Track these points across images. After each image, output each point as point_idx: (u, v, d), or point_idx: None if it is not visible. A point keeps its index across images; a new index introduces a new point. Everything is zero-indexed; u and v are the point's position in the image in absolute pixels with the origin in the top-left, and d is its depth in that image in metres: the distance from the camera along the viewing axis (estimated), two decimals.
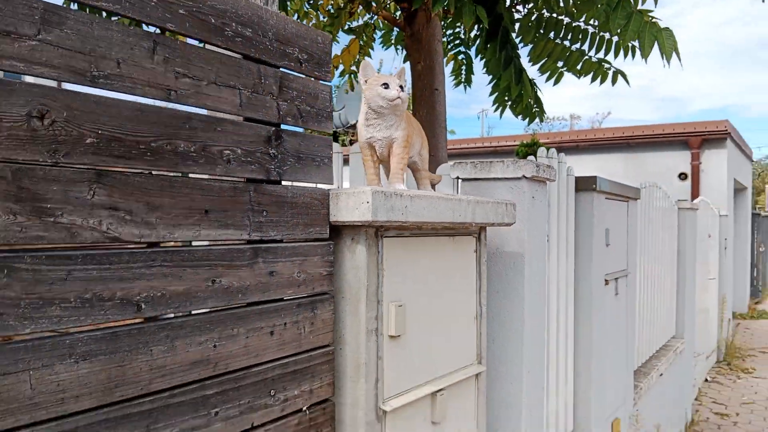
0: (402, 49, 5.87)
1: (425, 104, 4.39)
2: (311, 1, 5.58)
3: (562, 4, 4.26)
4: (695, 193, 10.76)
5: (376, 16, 5.53)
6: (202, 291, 1.30)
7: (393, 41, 5.92)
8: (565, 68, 4.63)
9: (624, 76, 4.44)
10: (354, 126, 12.46)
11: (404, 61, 5.00)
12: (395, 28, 5.69)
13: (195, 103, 1.33)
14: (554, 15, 4.41)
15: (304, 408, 1.57)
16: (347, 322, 1.69)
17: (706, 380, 7.85)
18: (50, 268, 1.03)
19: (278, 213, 1.51)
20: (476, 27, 4.73)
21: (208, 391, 1.32)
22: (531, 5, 4.47)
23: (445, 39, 5.55)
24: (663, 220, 5.44)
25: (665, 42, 3.30)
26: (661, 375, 4.96)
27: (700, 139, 11.01)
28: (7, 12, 0.99)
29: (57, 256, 1.04)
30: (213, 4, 1.36)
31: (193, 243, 1.35)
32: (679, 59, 3.32)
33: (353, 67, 5.61)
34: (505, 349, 2.49)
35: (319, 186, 1.66)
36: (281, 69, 1.55)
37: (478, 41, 4.94)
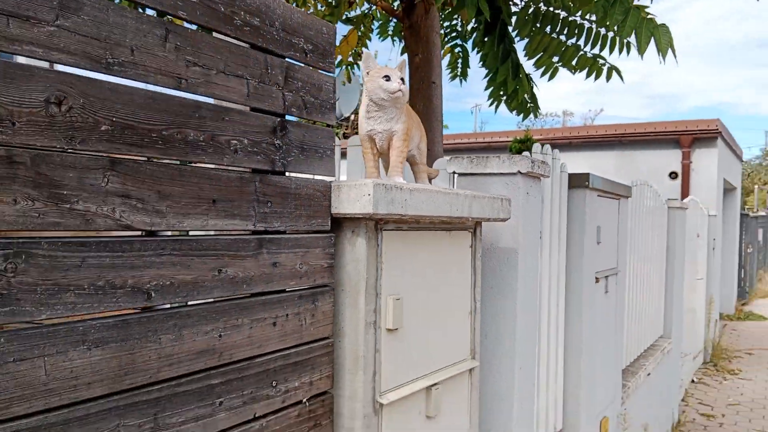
0: (398, 41, 5.85)
1: (422, 97, 4.36)
2: None
3: None
4: (685, 192, 10.82)
5: (374, 7, 5.49)
6: (209, 280, 1.31)
7: (390, 32, 5.88)
8: (560, 63, 4.62)
9: (618, 72, 4.43)
10: (347, 119, 12.41)
11: (401, 53, 4.98)
12: (393, 19, 5.65)
13: (204, 92, 1.33)
14: (551, 9, 4.40)
15: (304, 400, 1.58)
16: (346, 314, 1.70)
17: (693, 381, 7.90)
18: (66, 254, 1.03)
19: (282, 204, 1.51)
20: (474, 20, 4.72)
21: (213, 381, 1.32)
22: None
23: (441, 31, 5.53)
24: (653, 219, 5.47)
25: (661, 38, 3.30)
26: (648, 374, 4.99)
27: (691, 137, 11.06)
28: None
29: (72, 242, 1.04)
30: None
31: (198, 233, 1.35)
32: (675, 56, 3.34)
33: (350, 59, 5.57)
34: (498, 344, 2.51)
35: (322, 178, 1.66)
36: (287, 59, 1.55)
37: (475, 34, 4.92)
